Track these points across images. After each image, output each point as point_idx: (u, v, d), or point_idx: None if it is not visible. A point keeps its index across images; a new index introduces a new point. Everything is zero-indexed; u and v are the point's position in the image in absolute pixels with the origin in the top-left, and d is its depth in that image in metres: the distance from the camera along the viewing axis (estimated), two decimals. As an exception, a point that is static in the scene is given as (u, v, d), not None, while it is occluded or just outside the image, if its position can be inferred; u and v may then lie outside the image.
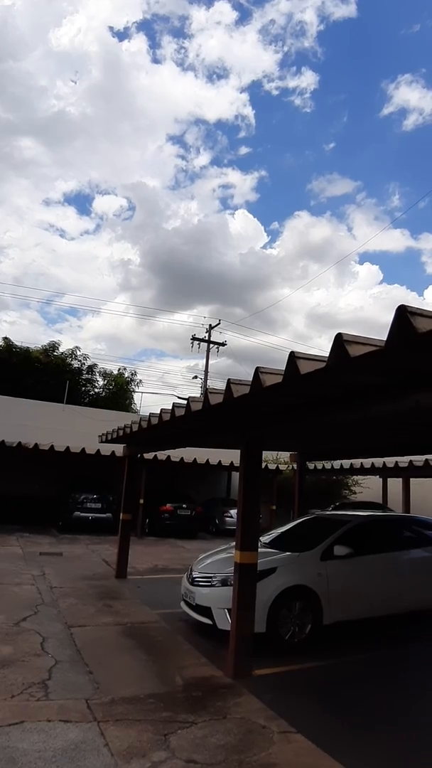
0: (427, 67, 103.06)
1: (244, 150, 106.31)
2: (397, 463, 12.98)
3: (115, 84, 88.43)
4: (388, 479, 18.08)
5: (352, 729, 4.12)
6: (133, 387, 33.48)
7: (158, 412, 6.09)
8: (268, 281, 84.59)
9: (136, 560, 10.79)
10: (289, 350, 3.14)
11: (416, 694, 4.95)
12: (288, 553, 6.49)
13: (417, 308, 2.35)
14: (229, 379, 3.98)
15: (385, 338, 2.54)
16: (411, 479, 16.32)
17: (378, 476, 17.53)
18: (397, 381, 3.30)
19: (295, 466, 10.90)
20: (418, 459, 11.55)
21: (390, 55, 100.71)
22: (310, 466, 14.25)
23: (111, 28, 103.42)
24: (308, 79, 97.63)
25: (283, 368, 3.27)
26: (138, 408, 31.73)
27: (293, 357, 3.11)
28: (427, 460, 11.41)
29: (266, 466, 16.97)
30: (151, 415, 6.39)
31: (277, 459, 17.86)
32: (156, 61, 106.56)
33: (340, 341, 2.69)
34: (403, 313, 2.32)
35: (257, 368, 3.52)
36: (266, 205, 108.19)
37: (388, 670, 5.52)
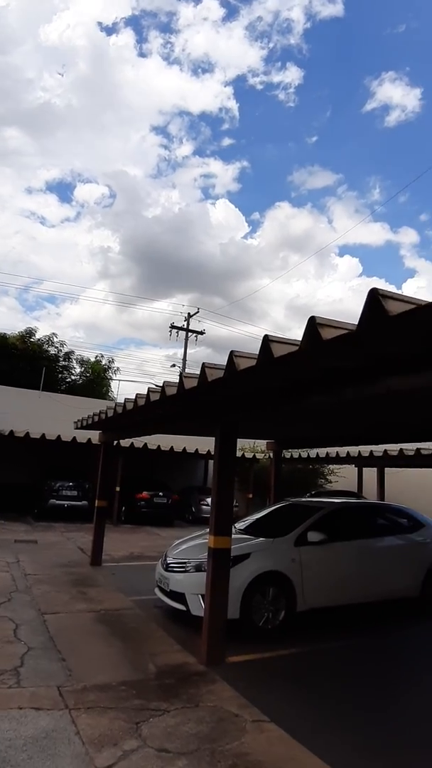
0: (410, 65, 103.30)
1: (227, 141, 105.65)
2: (372, 452, 13.09)
3: (101, 77, 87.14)
4: (364, 469, 18.28)
5: (326, 718, 4.11)
6: (111, 375, 33.31)
7: (134, 397, 6.02)
8: (247, 271, 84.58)
9: (112, 548, 10.74)
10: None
11: (391, 682, 4.98)
12: (262, 539, 6.49)
13: (389, 291, 2.33)
14: (203, 363, 3.93)
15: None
16: (386, 468, 16.54)
17: (353, 465, 17.70)
18: (369, 365, 3.29)
19: (271, 454, 10.92)
20: (393, 448, 11.64)
21: (374, 53, 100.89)
22: (287, 454, 14.28)
23: (100, 24, 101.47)
24: (293, 75, 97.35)
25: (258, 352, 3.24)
26: (115, 396, 31.59)
27: (267, 340, 3.08)
28: (401, 449, 11.51)
29: (243, 454, 17.01)
30: (127, 400, 6.32)
31: (254, 448, 17.90)
32: (142, 55, 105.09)
33: (313, 324, 2.66)
34: (375, 296, 2.29)
35: (232, 352, 3.48)
36: (247, 195, 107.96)
37: (362, 658, 5.56)
